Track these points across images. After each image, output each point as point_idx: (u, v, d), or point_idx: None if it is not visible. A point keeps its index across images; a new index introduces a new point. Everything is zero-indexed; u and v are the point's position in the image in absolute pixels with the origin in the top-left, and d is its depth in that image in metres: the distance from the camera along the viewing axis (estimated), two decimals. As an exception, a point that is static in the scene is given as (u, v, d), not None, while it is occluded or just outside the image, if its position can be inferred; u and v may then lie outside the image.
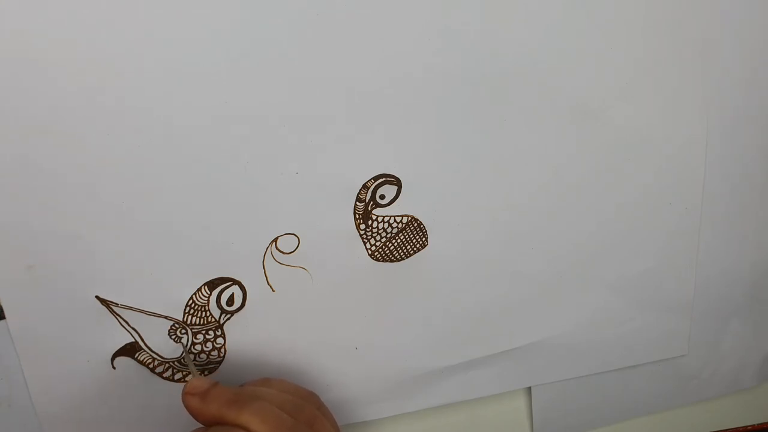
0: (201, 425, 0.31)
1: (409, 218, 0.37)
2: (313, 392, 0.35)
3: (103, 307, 0.33)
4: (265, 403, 0.30)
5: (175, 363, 0.35)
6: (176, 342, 0.35)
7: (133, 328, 0.34)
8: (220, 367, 0.36)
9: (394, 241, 0.37)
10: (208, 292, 0.34)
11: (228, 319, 0.35)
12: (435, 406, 0.41)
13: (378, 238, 0.36)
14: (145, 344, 0.34)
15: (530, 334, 0.41)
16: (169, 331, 0.34)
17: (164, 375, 0.35)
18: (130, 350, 0.34)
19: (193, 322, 0.35)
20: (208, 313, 0.35)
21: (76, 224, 0.31)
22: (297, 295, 0.36)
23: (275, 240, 0.35)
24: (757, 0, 0.38)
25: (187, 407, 0.31)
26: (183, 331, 0.35)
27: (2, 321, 0.32)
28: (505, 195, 0.38)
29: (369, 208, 0.36)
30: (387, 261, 0.37)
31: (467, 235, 0.38)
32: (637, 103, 0.38)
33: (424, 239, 0.37)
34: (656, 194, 0.41)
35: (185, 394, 0.31)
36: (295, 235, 0.35)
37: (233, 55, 0.31)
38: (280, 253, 0.35)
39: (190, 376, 0.35)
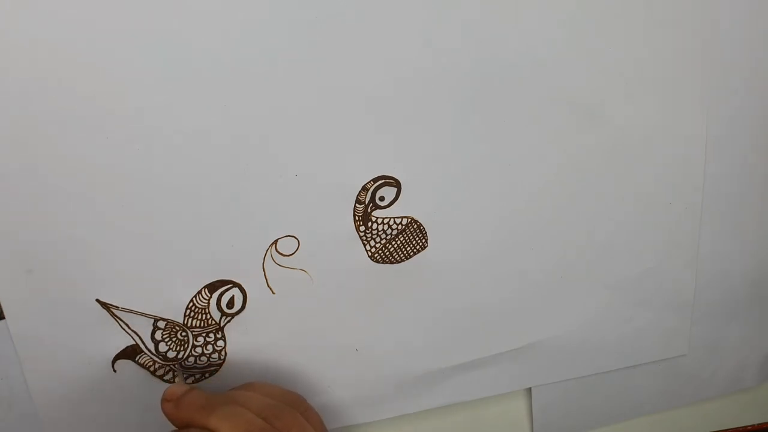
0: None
1: (409, 220, 0.37)
2: (299, 396, 0.34)
3: (104, 310, 0.33)
4: (237, 407, 0.30)
5: (176, 366, 0.35)
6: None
7: (133, 331, 0.34)
8: (221, 369, 0.36)
9: (394, 242, 0.37)
10: (209, 295, 0.34)
11: (228, 321, 0.35)
12: (436, 407, 0.41)
13: (378, 239, 0.36)
14: (146, 347, 0.34)
15: (530, 334, 0.41)
16: (163, 333, 0.34)
17: (165, 378, 0.35)
18: (130, 353, 0.34)
19: (194, 325, 0.35)
20: (208, 316, 0.35)
21: (76, 228, 0.31)
22: (297, 297, 0.36)
23: (275, 242, 0.35)
24: (757, 0, 0.38)
25: (164, 413, 0.31)
26: (183, 333, 0.35)
27: (2, 321, 0.32)
28: (505, 195, 0.38)
29: (369, 210, 0.36)
30: (387, 263, 0.37)
31: (467, 236, 0.38)
32: (637, 102, 0.38)
33: (424, 241, 0.37)
34: (656, 194, 0.41)
35: (162, 400, 0.31)
36: (295, 238, 0.35)
37: (232, 58, 0.31)
38: (280, 256, 0.35)
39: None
